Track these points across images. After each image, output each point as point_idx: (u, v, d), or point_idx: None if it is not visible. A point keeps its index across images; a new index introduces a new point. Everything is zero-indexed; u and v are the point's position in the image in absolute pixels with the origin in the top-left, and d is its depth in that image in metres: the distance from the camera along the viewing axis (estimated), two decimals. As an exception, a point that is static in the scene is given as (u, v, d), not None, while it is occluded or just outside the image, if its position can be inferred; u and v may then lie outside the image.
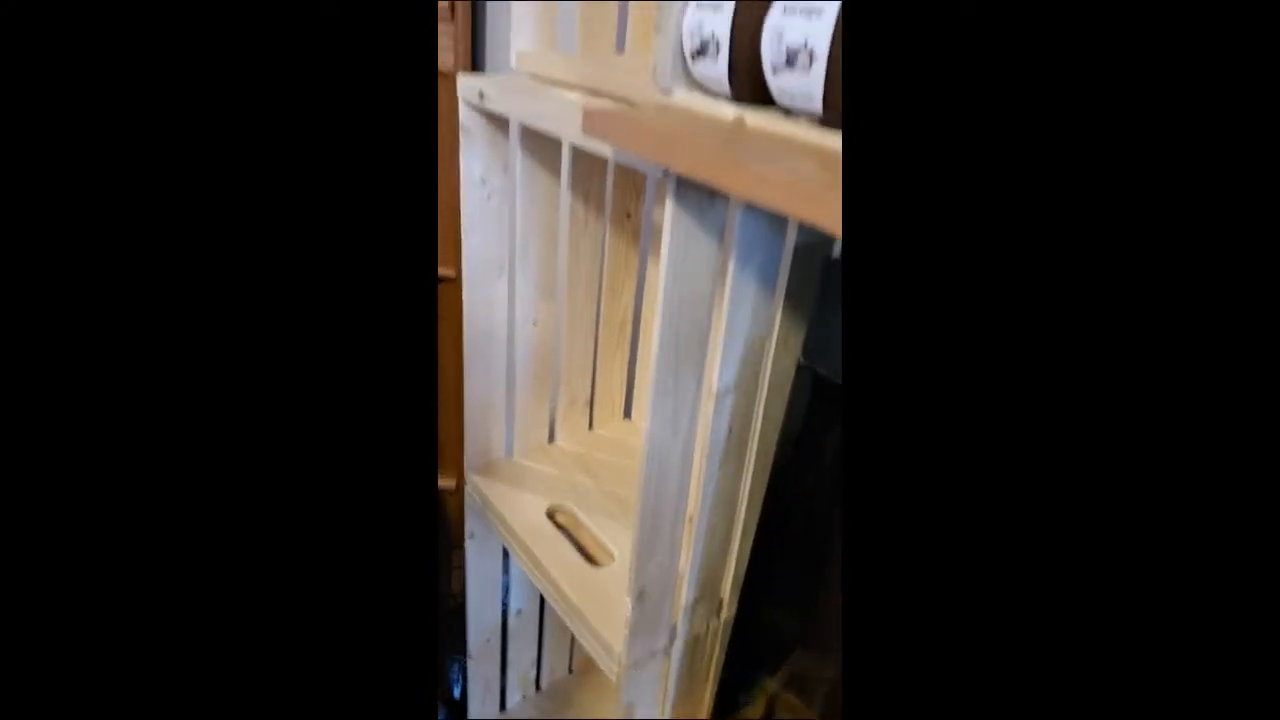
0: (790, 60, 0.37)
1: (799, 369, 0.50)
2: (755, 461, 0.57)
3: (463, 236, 0.69)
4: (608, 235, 0.78)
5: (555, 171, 0.71)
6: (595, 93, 0.58)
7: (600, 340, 0.83)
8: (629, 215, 0.79)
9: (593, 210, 0.75)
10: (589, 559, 0.71)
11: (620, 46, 0.73)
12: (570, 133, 0.51)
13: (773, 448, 0.57)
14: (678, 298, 0.47)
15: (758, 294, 0.50)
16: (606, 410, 0.88)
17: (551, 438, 0.85)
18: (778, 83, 0.39)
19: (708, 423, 0.53)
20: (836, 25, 0.35)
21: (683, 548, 0.59)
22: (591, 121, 0.43)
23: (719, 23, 0.41)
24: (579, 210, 0.74)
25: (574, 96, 0.58)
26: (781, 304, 0.52)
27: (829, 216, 0.31)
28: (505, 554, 0.83)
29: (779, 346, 0.53)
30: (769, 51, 0.38)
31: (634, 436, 0.88)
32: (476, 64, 1.06)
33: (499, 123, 0.67)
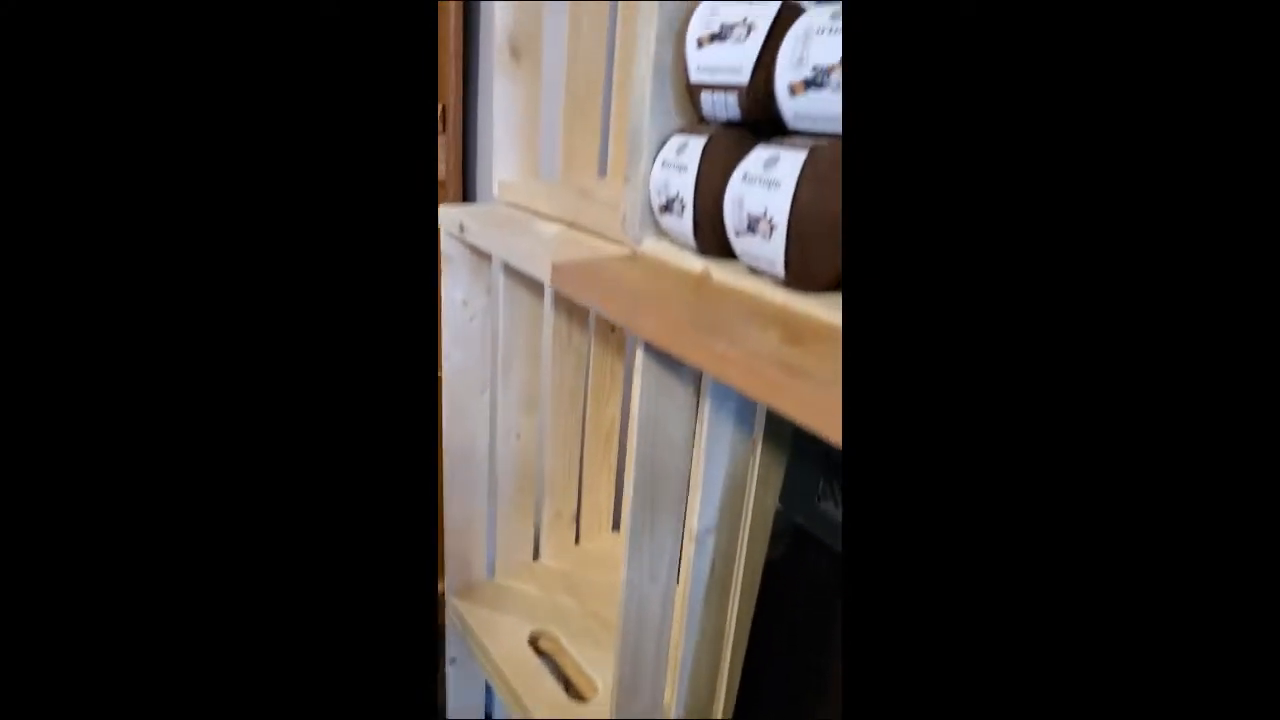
0: (751, 227, 0.38)
1: (777, 515, 0.49)
2: (740, 599, 0.55)
3: (443, 356, 0.69)
4: (592, 347, 0.78)
5: (538, 292, 0.71)
6: (573, 225, 0.59)
7: (586, 451, 0.82)
8: (614, 329, 0.79)
9: (576, 325, 0.75)
10: (572, 691, 0.68)
11: (602, 172, 0.75)
12: (546, 273, 0.51)
13: (757, 584, 0.55)
14: (651, 443, 0.46)
15: (735, 434, 0.49)
16: (594, 523, 0.86)
17: (536, 554, 0.82)
18: (740, 245, 0.39)
19: (689, 565, 0.51)
20: (795, 197, 0.35)
21: (666, 689, 0.56)
22: (560, 276, 0.44)
23: (683, 184, 0.41)
24: (562, 326, 0.74)
25: (553, 230, 0.59)
26: (761, 442, 0.51)
27: (791, 404, 0.30)
28: (488, 678, 0.79)
29: (759, 484, 0.52)
30: (731, 217, 0.39)
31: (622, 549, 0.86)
32: (467, 172, 1.09)
33: (481, 251, 0.67)
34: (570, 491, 0.82)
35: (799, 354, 0.32)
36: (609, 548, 0.86)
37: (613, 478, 0.85)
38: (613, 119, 0.73)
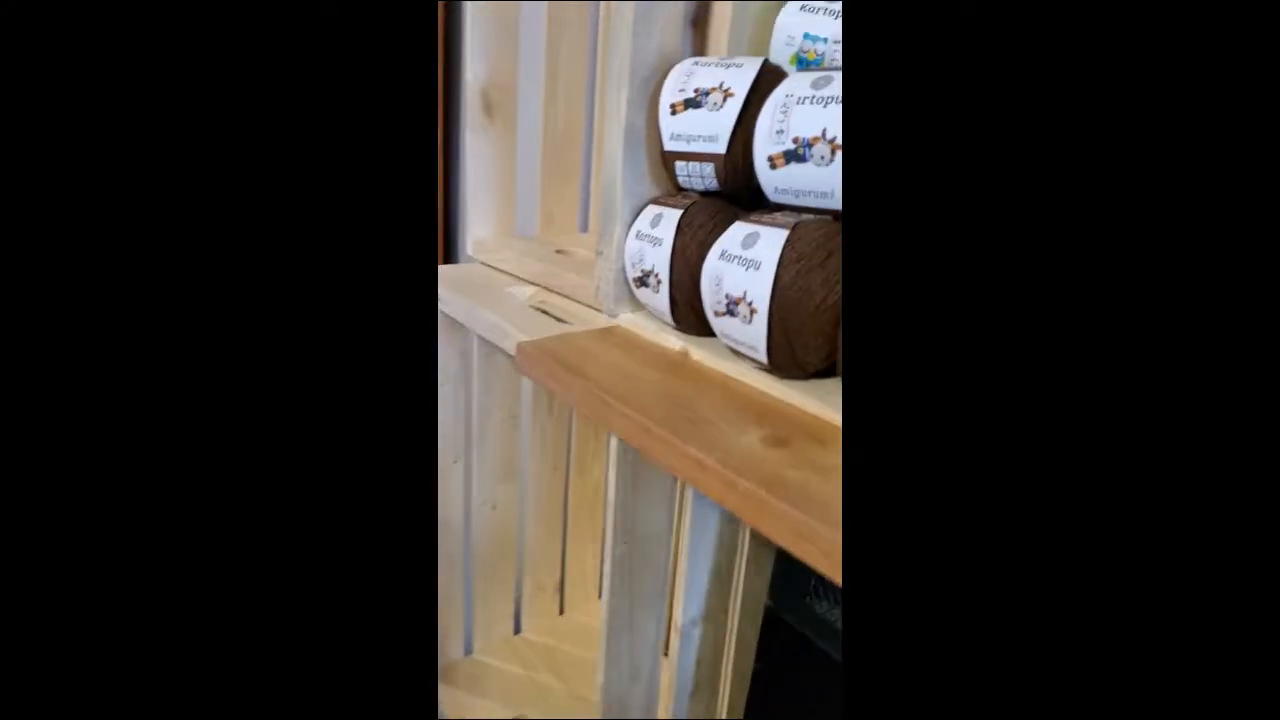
0: (731, 309, 0.34)
1: (766, 611, 0.45)
2: (729, 697, 0.51)
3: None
4: (575, 410, 0.74)
5: (515, 353, 0.68)
6: (548, 289, 0.56)
7: (570, 517, 0.77)
8: (596, 387, 0.75)
9: (557, 386, 0.72)
10: (554, 786, 0.63)
11: (584, 228, 0.73)
12: (513, 349, 0.48)
13: (748, 680, 0.51)
14: (628, 534, 0.43)
15: (722, 515, 0.45)
16: (579, 591, 0.81)
17: (517, 629, 0.78)
18: (720, 325, 0.36)
19: (674, 660, 0.47)
20: (776, 279, 0.32)
21: (653, 794, 0.52)
22: (526, 360, 0.40)
23: (658, 258, 0.38)
24: (542, 390, 0.71)
25: (527, 293, 0.56)
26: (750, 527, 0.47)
27: (776, 528, 0.26)
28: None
29: (749, 567, 0.48)
30: (709, 296, 0.36)
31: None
32: (450, 229, 1.07)
33: (453, 312, 0.64)
34: (553, 560, 0.78)
35: (785, 460, 0.29)
36: (595, 618, 0.81)
37: (599, 543, 0.80)
38: (594, 174, 0.71)
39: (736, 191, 0.38)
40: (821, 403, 0.33)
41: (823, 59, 0.41)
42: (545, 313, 0.52)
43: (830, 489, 0.27)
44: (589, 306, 0.51)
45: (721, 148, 0.37)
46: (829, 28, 0.40)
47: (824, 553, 0.25)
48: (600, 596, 0.84)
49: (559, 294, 0.55)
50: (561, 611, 0.81)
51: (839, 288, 0.32)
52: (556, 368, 0.38)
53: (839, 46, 0.40)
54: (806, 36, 0.41)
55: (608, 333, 0.43)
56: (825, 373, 0.35)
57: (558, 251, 0.61)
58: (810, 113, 0.32)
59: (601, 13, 0.67)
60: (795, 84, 0.34)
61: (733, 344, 0.36)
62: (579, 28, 0.65)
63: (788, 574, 0.43)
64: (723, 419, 0.32)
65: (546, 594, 0.78)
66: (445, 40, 0.99)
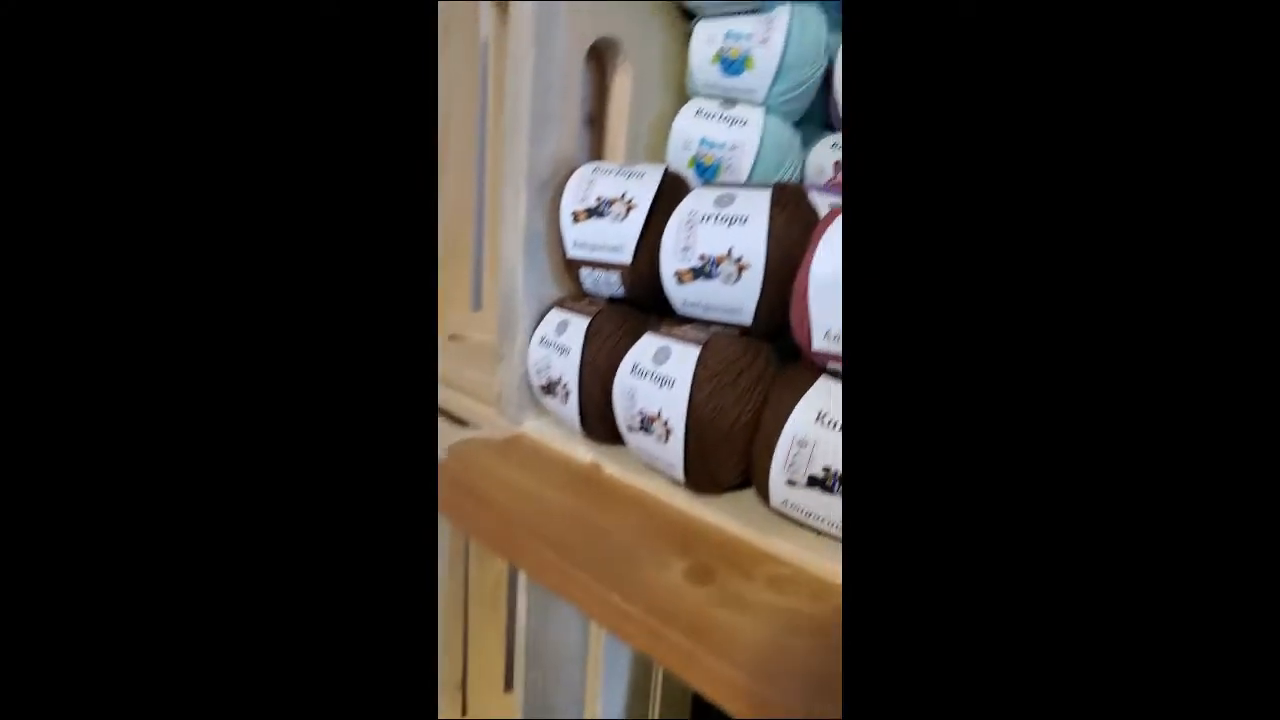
0: (645, 426, 0.33)
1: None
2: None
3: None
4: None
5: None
6: (442, 381, 0.53)
7: (470, 611, 0.73)
8: (496, 469, 0.72)
9: (454, 472, 0.68)
10: None
11: (477, 305, 0.70)
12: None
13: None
14: (540, 661, 0.40)
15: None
16: (482, 687, 0.76)
17: (415, 738, 0.71)
18: (634, 441, 0.35)
19: (592, 781, 0.44)
20: (691, 398, 0.32)
21: None
22: (424, 482, 0.37)
23: (566, 367, 0.37)
24: (437, 476, 0.67)
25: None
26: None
27: (708, 684, 0.25)
28: None
29: (666, 676, 0.46)
30: (621, 410, 0.34)
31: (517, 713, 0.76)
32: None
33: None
34: (454, 658, 0.72)
35: (711, 599, 0.28)
36: (501, 714, 0.76)
37: (502, 636, 0.76)
38: (486, 249, 0.68)
39: (643, 298, 0.37)
40: (740, 521, 0.32)
41: (720, 164, 0.41)
42: (441, 411, 0.48)
43: (762, 633, 0.26)
44: (487, 403, 0.48)
45: (626, 258, 0.36)
46: (725, 133, 0.41)
47: (758, 708, 0.24)
48: (506, 689, 0.79)
49: (454, 387, 0.52)
50: (464, 711, 0.75)
51: (751, 406, 0.32)
52: (457, 494, 0.35)
53: (735, 152, 0.41)
54: (704, 142, 0.41)
55: (512, 444, 0.40)
56: (740, 485, 0.34)
57: (450, 338, 0.59)
58: (715, 231, 0.32)
59: (490, 103, 0.65)
60: (699, 200, 0.34)
61: (648, 460, 0.35)
62: (468, 91, 0.63)
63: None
64: (643, 547, 0.31)
65: (448, 693, 0.73)
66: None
